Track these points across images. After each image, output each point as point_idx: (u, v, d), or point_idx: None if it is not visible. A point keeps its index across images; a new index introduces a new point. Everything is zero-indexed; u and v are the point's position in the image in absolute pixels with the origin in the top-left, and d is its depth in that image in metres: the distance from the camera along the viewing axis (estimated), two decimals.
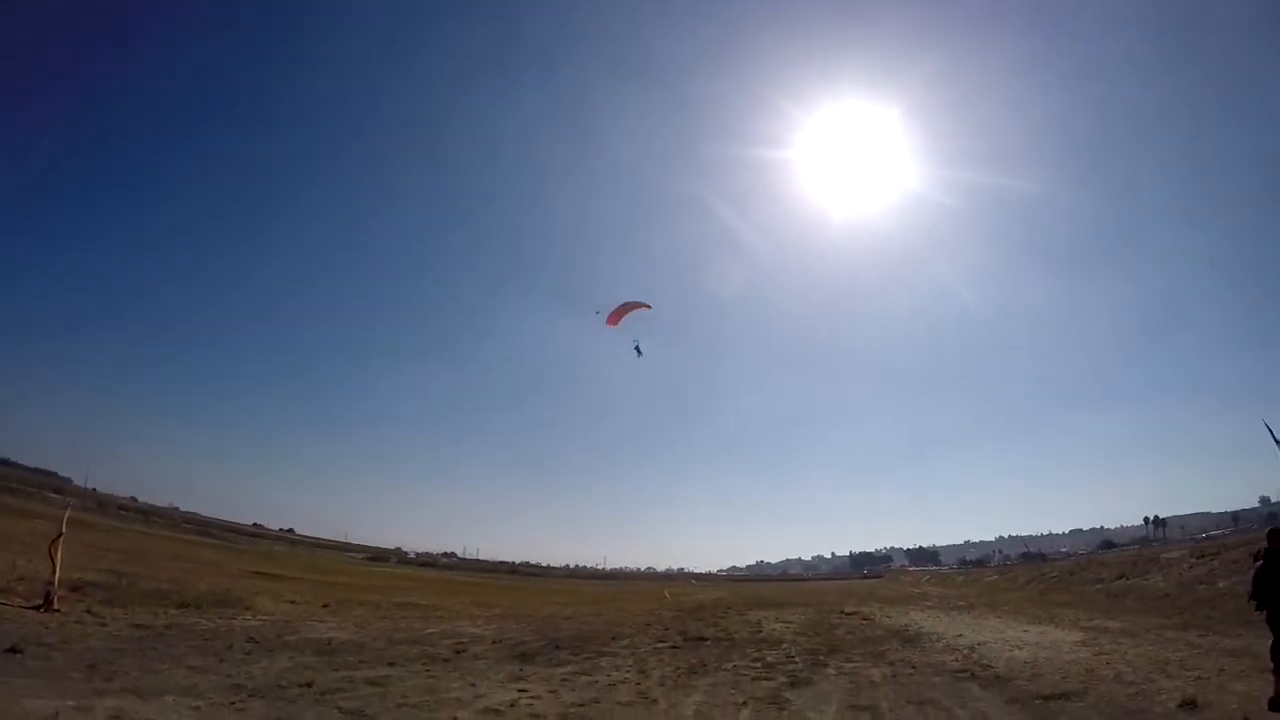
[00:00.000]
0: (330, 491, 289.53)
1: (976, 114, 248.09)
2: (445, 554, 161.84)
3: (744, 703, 12.10)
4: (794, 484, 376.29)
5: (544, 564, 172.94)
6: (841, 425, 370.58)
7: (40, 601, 15.91)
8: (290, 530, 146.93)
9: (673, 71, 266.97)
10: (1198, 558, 37.61)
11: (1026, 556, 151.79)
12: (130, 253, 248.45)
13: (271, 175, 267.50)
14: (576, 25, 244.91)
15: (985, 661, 16.69)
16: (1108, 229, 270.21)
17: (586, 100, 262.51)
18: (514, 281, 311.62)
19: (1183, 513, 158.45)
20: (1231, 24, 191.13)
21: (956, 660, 17.17)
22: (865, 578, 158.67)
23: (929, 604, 43.56)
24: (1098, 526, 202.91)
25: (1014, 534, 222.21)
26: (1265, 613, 10.68)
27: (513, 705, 11.12)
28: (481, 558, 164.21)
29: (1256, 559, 11.14)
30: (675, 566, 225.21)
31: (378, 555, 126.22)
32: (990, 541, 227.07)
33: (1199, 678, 13.04)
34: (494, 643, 19.32)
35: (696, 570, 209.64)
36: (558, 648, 18.83)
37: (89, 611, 16.32)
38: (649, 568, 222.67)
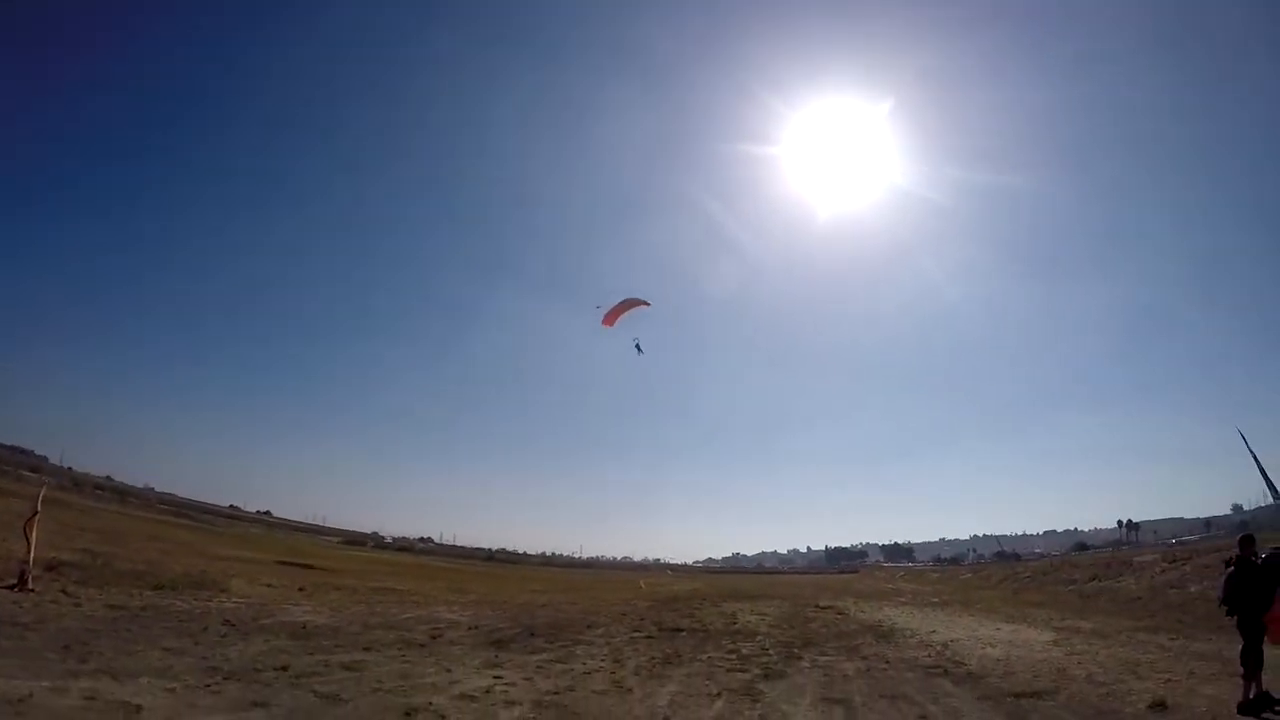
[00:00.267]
0: (308, 475, 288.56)
1: (964, 111, 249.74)
2: (422, 539, 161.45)
3: (718, 694, 12.16)
4: (771, 478, 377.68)
5: (521, 551, 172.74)
6: (821, 421, 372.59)
7: (15, 581, 15.85)
8: (267, 512, 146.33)
9: (661, 65, 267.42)
10: (1170, 562, 38.12)
11: (1001, 556, 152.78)
12: (109, 233, 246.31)
13: (254, 159, 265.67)
14: (566, 14, 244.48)
15: (958, 658, 16.86)
16: (1093, 231, 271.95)
17: (574, 91, 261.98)
18: (497, 270, 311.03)
19: (1156, 517, 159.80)
20: (1223, 27, 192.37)
21: (929, 656, 17.33)
22: (840, 573, 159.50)
23: (903, 600, 43.84)
24: (1072, 528, 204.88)
25: (989, 533, 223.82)
26: (1236, 618, 10.89)
27: (488, 692, 11.17)
28: (458, 544, 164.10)
29: (1228, 565, 11.35)
30: (652, 557, 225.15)
31: (354, 539, 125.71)
32: (965, 540, 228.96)
33: (1169, 680, 13.22)
34: (470, 629, 19.37)
35: (673, 561, 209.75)
36: (533, 635, 18.91)
37: (64, 592, 16.27)
38: (625, 557, 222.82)
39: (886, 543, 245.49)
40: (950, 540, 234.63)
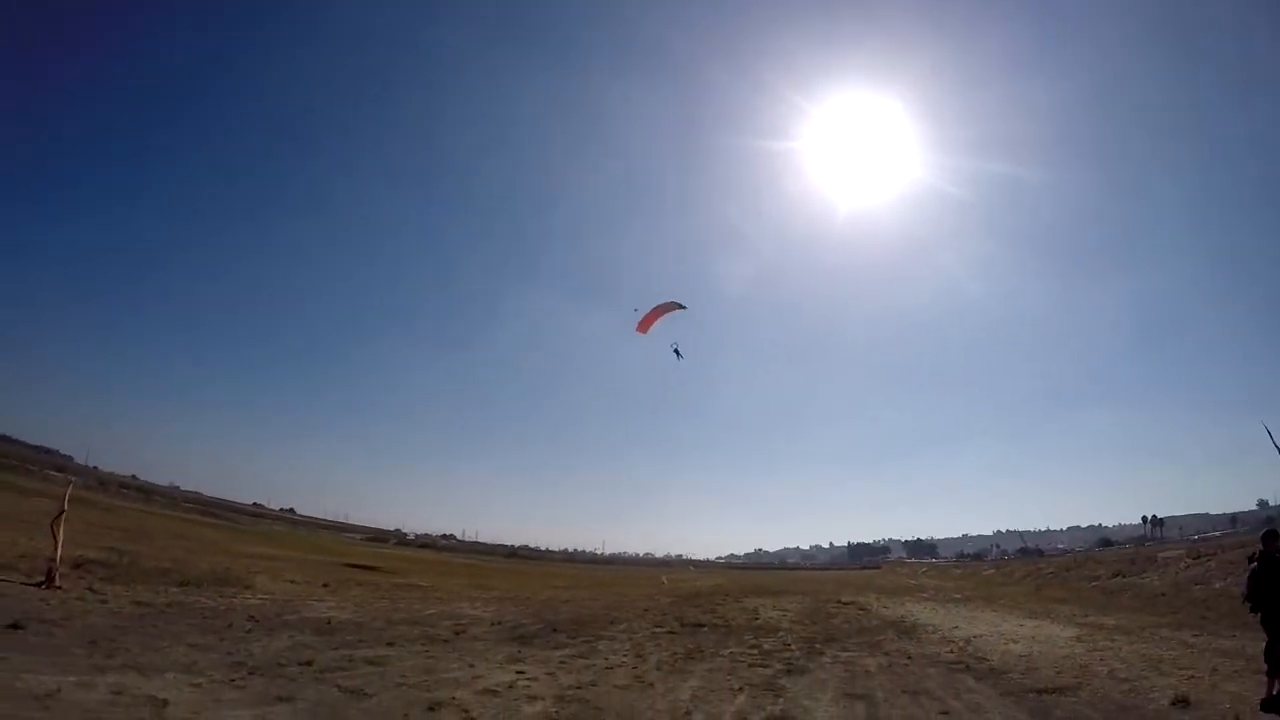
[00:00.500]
0: (331, 473, 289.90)
1: (982, 106, 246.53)
2: (444, 536, 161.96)
3: (740, 689, 12.19)
4: (794, 473, 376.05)
5: (542, 547, 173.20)
6: (842, 416, 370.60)
7: (42, 578, 15.95)
8: (291, 510, 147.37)
9: (677, 61, 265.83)
10: (1194, 558, 37.75)
11: (1024, 552, 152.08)
12: (130, 232, 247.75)
13: (273, 157, 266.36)
14: (579, 11, 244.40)
15: (980, 654, 16.84)
16: (1113, 226, 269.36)
17: (589, 88, 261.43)
18: (515, 268, 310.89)
19: (1181, 513, 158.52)
20: (1242, 26, 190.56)
21: (952, 652, 17.31)
22: (863, 568, 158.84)
23: (925, 596, 43.77)
24: (1096, 524, 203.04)
25: (1012, 529, 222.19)
26: (1260, 615, 10.79)
27: (510, 687, 11.22)
28: (480, 540, 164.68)
29: (1251, 561, 11.24)
30: (674, 553, 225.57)
31: (377, 536, 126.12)
32: (988, 536, 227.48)
33: (1192, 676, 13.15)
34: (492, 625, 19.46)
35: (695, 557, 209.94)
36: (555, 631, 18.97)
37: (90, 589, 16.38)
38: (647, 553, 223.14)
39: (909, 539, 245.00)
40: (973, 536, 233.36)
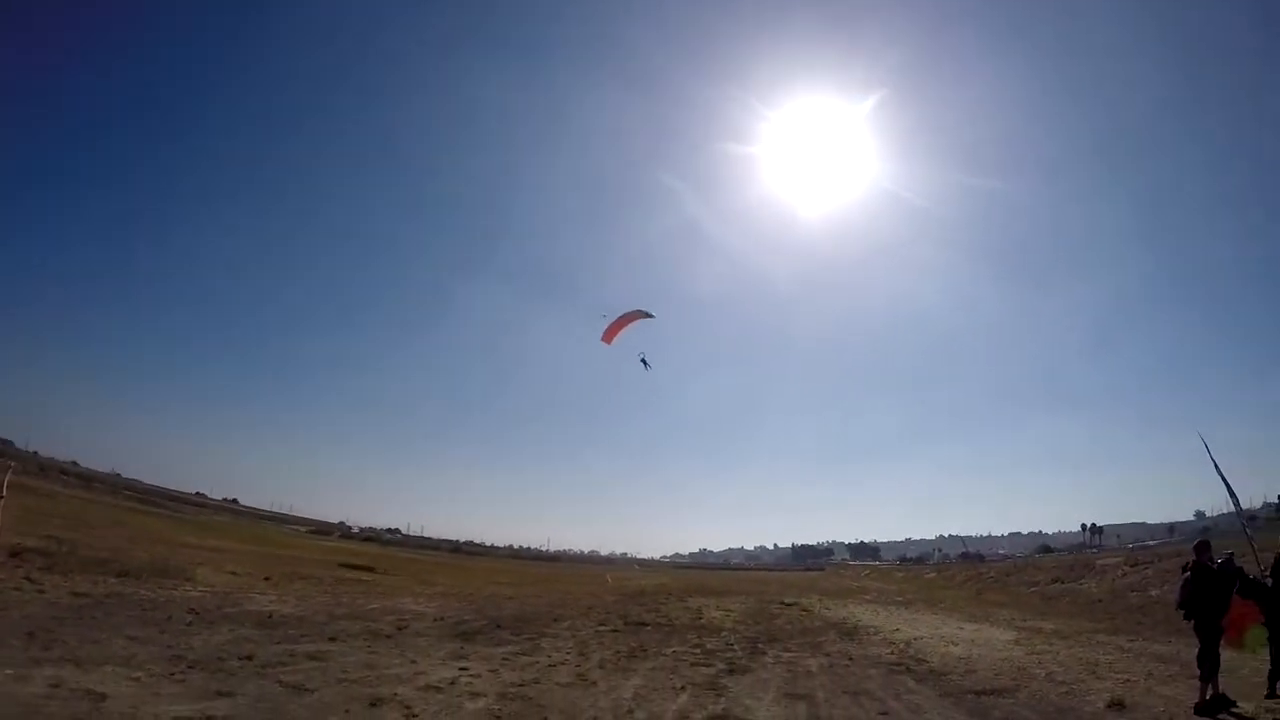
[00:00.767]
0: (276, 463, 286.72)
1: (942, 112, 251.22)
2: (389, 530, 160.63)
3: (682, 688, 12.29)
4: (740, 474, 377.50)
5: (487, 543, 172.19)
6: (790, 419, 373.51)
7: None
8: (234, 501, 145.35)
9: (641, 62, 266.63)
10: (1131, 566, 38.72)
11: (965, 556, 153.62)
12: (76, 220, 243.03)
13: (225, 149, 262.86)
14: (545, 8, 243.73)
15: (921, 656, 17.12)
16: (1066, 235, 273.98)
17: (553, 86, 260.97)
18: (470, 263, 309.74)
19: (1120, 522, 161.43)
20: (1195, 39, 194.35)
21: (893, 654, 17.58)
22: (806, 570, 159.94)
23: (868, 598, 44.24)
24: (1036, 531, 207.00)
25: (954, 534, 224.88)
26: (1192, 622, 11.14)
27: (453, 683, 11.24)
28: (426, 535, 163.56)
29: (1185, 570, 11.62)
30: (618, 551, 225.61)
31: (321, 529, 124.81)
32: (930, 540, 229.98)
33: (1127, 680, 13.47)
34: (435, 620, 19.43)
35: (640, 556, 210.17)
36: (499, 627, 18.99)
37: (28, 578, 16.09)
38: (593, 551, 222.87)
39: (853, 541, 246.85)
40: (916, 540, 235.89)
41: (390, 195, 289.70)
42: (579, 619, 22.94)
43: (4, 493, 18.33)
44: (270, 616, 16.42)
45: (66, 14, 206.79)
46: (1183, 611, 11.46)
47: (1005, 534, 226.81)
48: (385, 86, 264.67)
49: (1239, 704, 10.69)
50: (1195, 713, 10.49)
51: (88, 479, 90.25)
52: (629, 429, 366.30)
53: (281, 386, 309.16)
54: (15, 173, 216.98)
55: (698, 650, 17.11)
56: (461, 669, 12.46)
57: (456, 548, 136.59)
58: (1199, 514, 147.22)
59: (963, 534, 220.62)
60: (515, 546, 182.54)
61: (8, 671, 8.53)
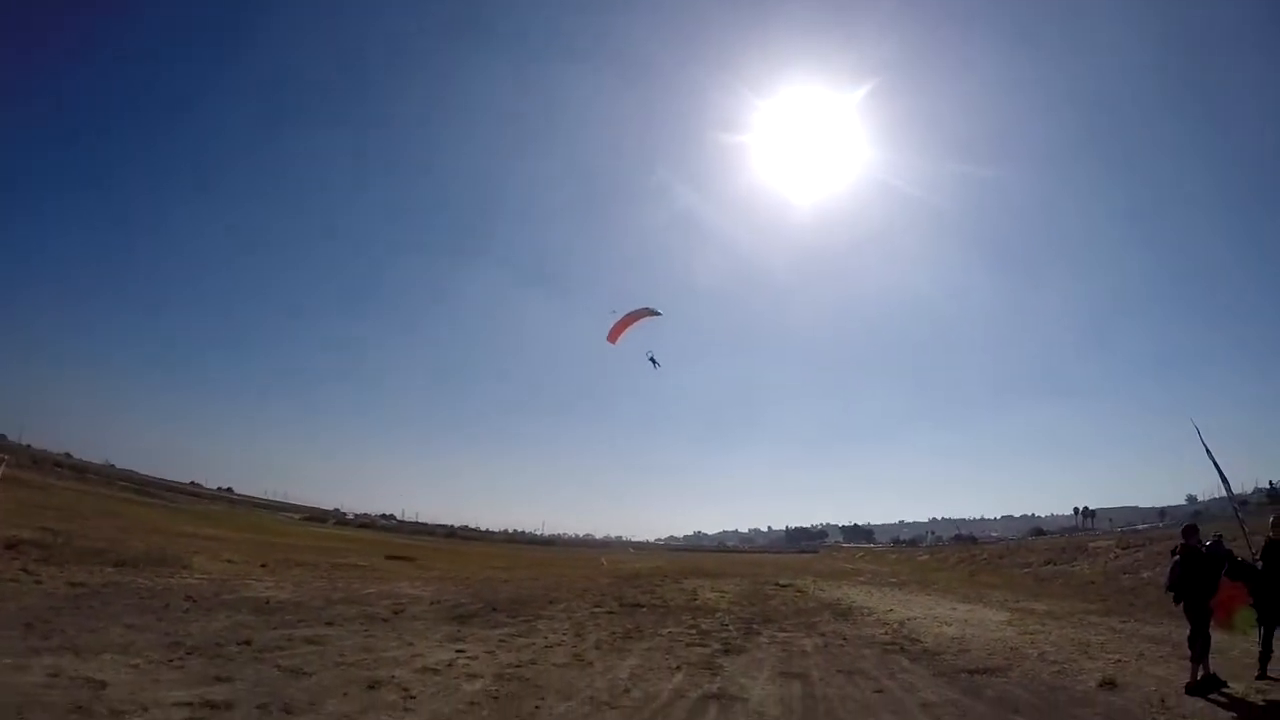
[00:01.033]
0: (269, 452, 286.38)
1: (937, 102, 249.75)
2: (384, 515, 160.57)
3: (678, 667, 12.42)
4: (734, 457, 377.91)
5: (482, 528, 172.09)
6: (784, 403, 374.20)
7: None
8: (228, 490, 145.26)
9: (631, 50, 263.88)
10: (1123, 548, 38.85)
11: (958, 538, 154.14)
12: (61, 207, 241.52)
13: (221, 131, 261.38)
14: None
15: (914, 636, 17.30)
16: (1060, 225, 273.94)
17: (544, 74, 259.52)
18: (464, 251, 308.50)
19: (1112, 506, 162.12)
20: (1195, 34, 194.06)
21: (887, 634, 17.77)
22: (801, 552, 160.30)
23: (862, 579, 44.57)
24: (1029, 514, 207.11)
25: (948, 516, 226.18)
26: (1182, 604, 11.27)
27: (450, 665, 11.33)
28: (420, 520, 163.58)
29: (1174, 554, 11.74)
30: (613, 534, 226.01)
31: (315, 516, 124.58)
32: (924, 522, 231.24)
33: (1119, 660, 13.62)
34: (432, 604, 19.50)
35: (635, 539, 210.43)
36: (495, 610, 19.07)
37: (24, 570, 16.11)
38: (587, 535, 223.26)
39: (846, 524, 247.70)
40: (909, 523, 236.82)
41: (383, 185, 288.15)
42: (574, 601, 23.06)
43: None
44: (267, 602, 16.46)
45: (53, 7, 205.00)
46: (1172, 594, 11.59)
47: (998, 517, 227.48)
48: (377, 77, 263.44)
49: (1230, 685, 10.80)
50: (1186, 692, 10.60)
51: (81, 470, 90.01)
52: (624, 413, 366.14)
53: (275, 375, 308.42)
54: (4, 163, 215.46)
55: (693, 631, 17.24)
56: (458, 651, 12.54)
57: (452, 532, 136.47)
58: (1191, 498, 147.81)
59: (956, 516, 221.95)
60: (510, 531, 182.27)
61: (7, 661, 8.57)
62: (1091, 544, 45.84)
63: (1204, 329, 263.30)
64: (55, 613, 12.13)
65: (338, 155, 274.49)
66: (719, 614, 21.15)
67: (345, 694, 8.92)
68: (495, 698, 9.46)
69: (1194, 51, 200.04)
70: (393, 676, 10.11)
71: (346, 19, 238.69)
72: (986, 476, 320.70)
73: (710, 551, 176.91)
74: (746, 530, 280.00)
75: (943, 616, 21.86)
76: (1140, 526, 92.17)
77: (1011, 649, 15.29)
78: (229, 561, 24.77)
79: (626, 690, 10.48)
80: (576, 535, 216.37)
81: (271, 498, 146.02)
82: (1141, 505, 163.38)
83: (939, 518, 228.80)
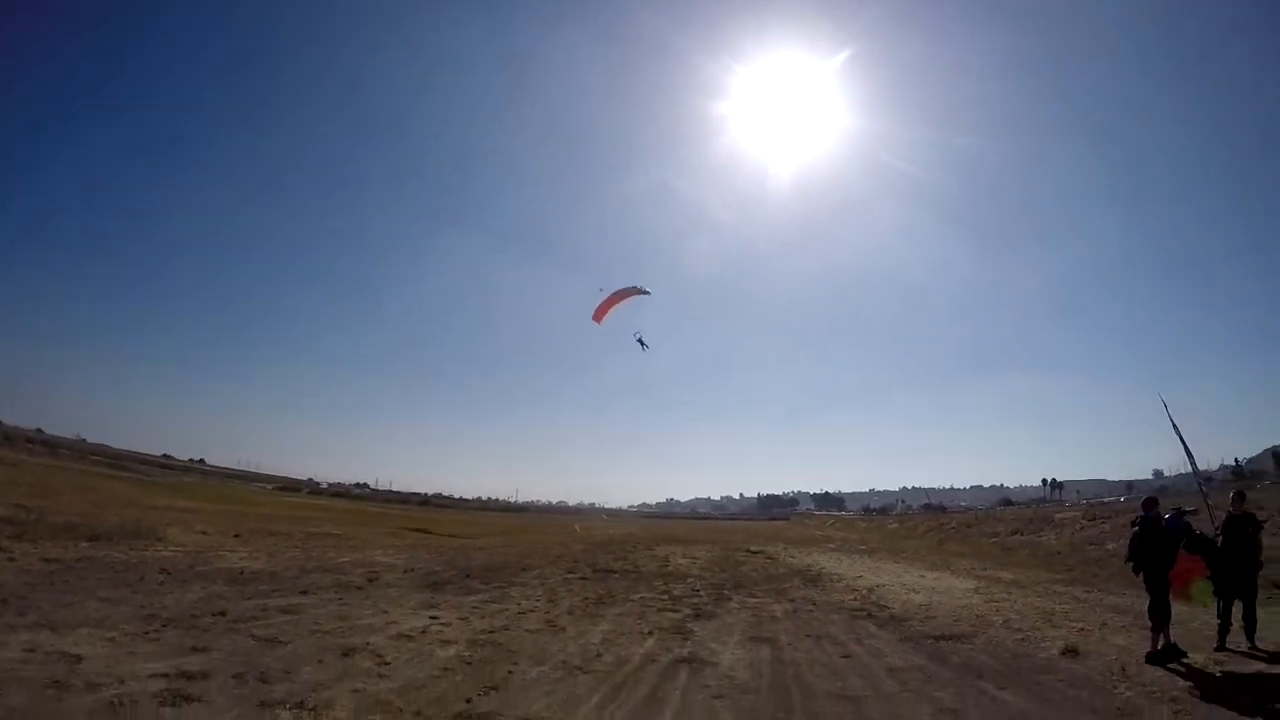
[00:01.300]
0: (242, 422, 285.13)
1: (918, 72, 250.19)
2: (358, 484, 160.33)
3: (649, 632, 12.65)
4: (707, 425, 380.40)
5: (456, 495, 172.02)
6: (758, 371, 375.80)
7: None
8: (201, 461, 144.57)
9: (612, 11, 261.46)
10: (1089, 520, 39.39)
11: (928, 508, 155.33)
12: (27, 180, 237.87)
13: (190, 102, 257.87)
14: None
15: (882, 602, 17.59)
16: (1040, 201, 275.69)
17: (522, 36, 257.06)
18: (439, 216, 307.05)
19: (1080, 479, 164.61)
20: (1178, 10, 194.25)
21: (855, 600, 18.06)
22: (772, 519, 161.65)
23: (832, 547, 45.04)
24: (998, 484, 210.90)
25: (917, 486, 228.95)
26: (1141, 575, 11.53)
27: (424, 631, 11.50)
28: (394, 488, 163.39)
29: (1134, 525, 11.99)
30: (587, 502, 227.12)
31: (289, 485, 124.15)
32: (894, 491, 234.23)
33: (1082, 629, 13.86)
34: (406, 572, 19.67)
35: (608, 506, 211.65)
36: (469, 577, 19.26)
37: None
38: (560, 502, 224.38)
39: (818, 491, 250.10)
40: (880, 491, 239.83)
41: (357, 151, 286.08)
42: (548, 568, 23.28)
43: None
44: (242, 573, 16.54)
45: None
46: (1131, 564, 11.84)
47: (968, 487, 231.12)
48: (350, 39, 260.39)
49: (1189, 655, 11.02)
50: (1147, 661, 10.79)
51: (53, 446, 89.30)
52: (598, 381, 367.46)
53: (245, 345, 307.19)
54: None
55: (665, 597, 17.51)
56: (432, 618, 12.71)
57: (426, 501, 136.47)
58: (1157, 473, 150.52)
59: (926, 486, 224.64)
60: (484, 498, 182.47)
61: None
62: (1058, 515, 46.33)
63: (1176, 307, 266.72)
64: (30, 589, 12.16)
65: (311, 122, 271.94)
66: (690, 580, 21.42)
67: (320, 662, 9.02)
68: (469, 663, 9.60)
69: (1178, 29, 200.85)
70: (367, 644, 10.24)
71: None
72: (957, 447, 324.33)
73: (682, 519, 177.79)
74: (719, 498, 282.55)
75: (911, 584, 22.21)
76: (1107, 499, 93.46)
77: (977, 616, 15.56)
78: (203, 533, 24.74)
79: (599, 655, 10.65)
80: (550, 502, 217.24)
81: (244, 468, 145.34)
82: (1109, 478, 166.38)
83: (909, 487, 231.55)
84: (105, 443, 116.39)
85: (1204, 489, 17.70)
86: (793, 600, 17.81)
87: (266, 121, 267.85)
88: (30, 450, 72.39)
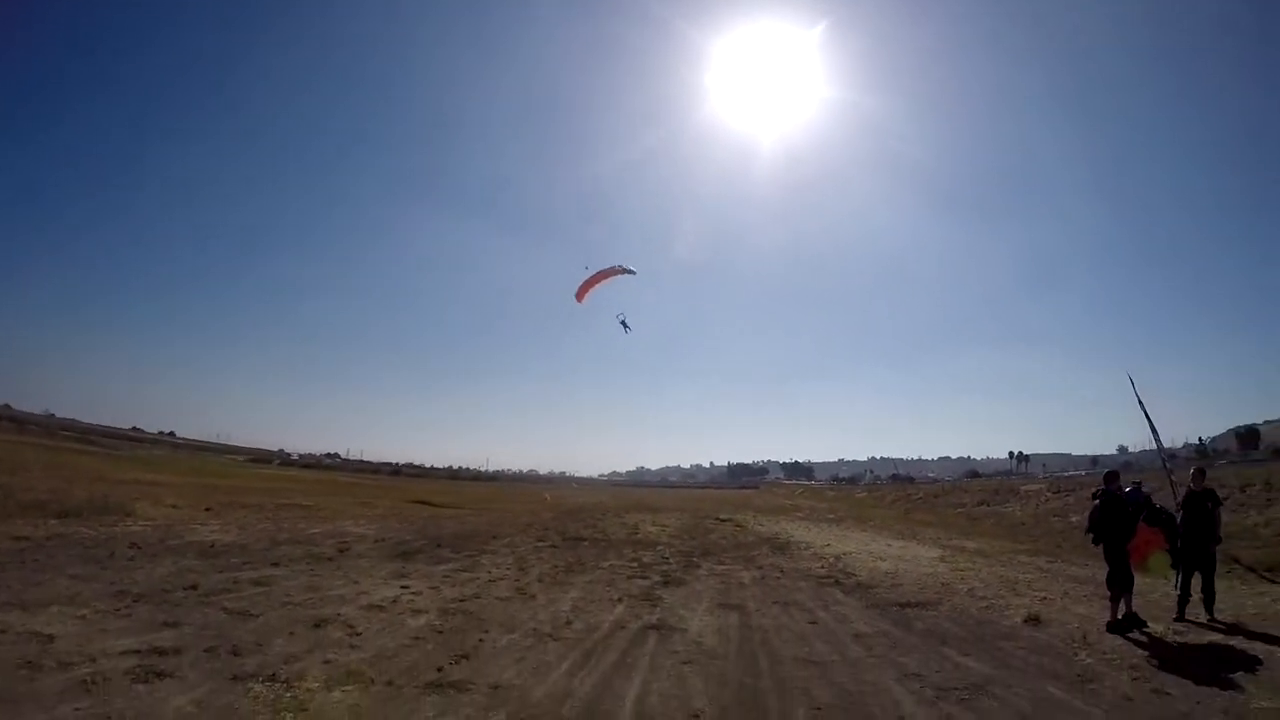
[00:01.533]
0: (211, 394, 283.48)
1: (897, 44, 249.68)
2: (328, 455, 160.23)
3: (619, 599, 12.82)
4: (677, 394, 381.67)
5: (427, 465, 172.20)
6: (728, 341, 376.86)
7: None
8: (170, 434, 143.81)
9: None
10: (1054, 493, 40.00)
11: (896, 478, 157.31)
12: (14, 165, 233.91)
13: (168, 68, 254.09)
14: None
15: (849, 570, 17.90)
16: (1018, 177, 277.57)
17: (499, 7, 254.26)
18: (412, 186, 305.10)
19: (1046, 452, 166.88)
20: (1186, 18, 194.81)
21: (823, 567, 18.35)
22: (741, 488, 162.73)
23: (800, 515, 45.58)
24: (965, 456, 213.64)
25: (886, 456, 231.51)
26: (1101, 546, 11.77)
27: (395, 601, 11.59)
28: (365, 459, 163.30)
29: (1094, 498, 12.23)
30: (557, 470, 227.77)
31: (260, 457, 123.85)
32: (863, 461, 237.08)
33: (1045, 598, 14.16)
34: (376, 542, 19.75)
35: (578, 475, 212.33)
36: (439, 546, 19.39)
37: None
38: (531, 470, 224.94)
39: (787, 461, 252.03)
40: (849, 461, 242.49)
41: (330, 122, 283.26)
42: (518, 536, 23.46)
43: None
44: (212, 546, 16.55)
45: None
46: (1091, 536, 12.09)
47: (935, 458, 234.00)
48: (326, 10, 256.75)
49: (1149, 625, 11.29)
50: (1107, 630, 11.05)
51: (20, 422, 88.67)
52: (568, 349, 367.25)
53: (214, 317, 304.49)
54: None
55: (634, 564, 17.72)
56: (403, 588, 12.81)
57: (397, 470, 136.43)
58: (1121, 449, 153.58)
59: (894, 456, 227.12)
60: (454, 467, 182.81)
61: None
62: (1024, 487, 47.03)
63: (1147, 288, 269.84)
64: (0, 568, 12.14)
65: (285, 93, 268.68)
66: (659, 548, 21.66)
67: (292, 633, 9.07)
68: (440, 632, 9.71)
69: (1166, 17, 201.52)
70: (339, 614, 10.31)
71: None
72: (926, 417, 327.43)
73: (652, 487, 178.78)
74: (688, 466, 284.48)
75: (877, 552, 22.58)
76: (1071, 473, 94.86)
77: (942, 585, 15.85)
78: (173, 507, 24.66)
79: (568, 622, 10.79)
80: (520, 471, 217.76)
81: (215, 440, 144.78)
82: (1074, 453, 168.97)
83: (878, 457, 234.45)
84: (74, 418, 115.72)
85: (1168, 465, 18.02)
86: (761, 568, 18.05)
87: (237, 91, 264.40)
88: None
